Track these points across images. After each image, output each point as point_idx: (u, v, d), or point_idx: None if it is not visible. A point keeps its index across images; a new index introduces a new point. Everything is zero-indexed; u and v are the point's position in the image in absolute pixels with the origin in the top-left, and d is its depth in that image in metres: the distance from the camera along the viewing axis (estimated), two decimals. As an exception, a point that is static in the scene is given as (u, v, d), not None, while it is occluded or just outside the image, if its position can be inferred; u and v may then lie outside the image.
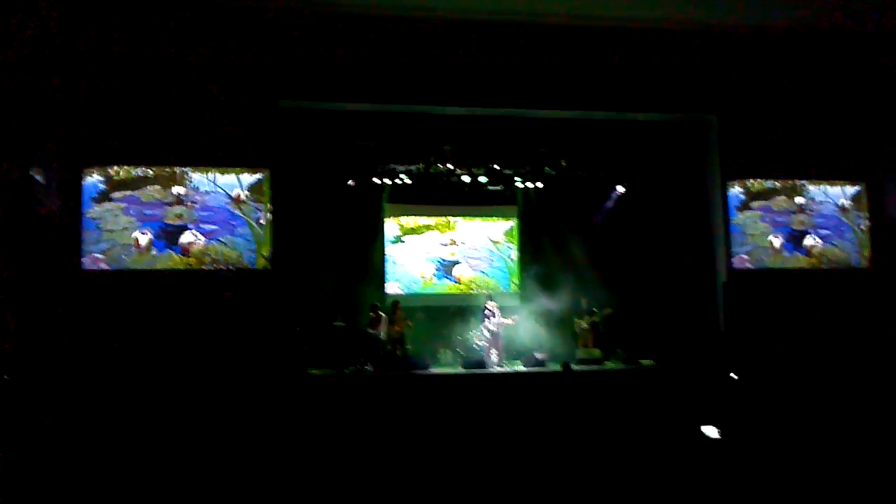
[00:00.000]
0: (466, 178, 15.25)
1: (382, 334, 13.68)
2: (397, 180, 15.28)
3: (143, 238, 12.20)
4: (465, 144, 14.99)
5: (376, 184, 15.31)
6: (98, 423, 9.68)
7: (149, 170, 12.38)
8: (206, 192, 12.55)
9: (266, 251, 12.56)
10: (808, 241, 14.33)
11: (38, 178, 10.83)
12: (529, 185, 16.00)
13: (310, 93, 13.10)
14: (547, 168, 15.50)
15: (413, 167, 15.13)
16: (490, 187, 15.75)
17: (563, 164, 15.43)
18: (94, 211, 12.12)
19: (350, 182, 15.05)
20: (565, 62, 13.64)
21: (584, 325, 14.54)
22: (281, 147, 13.07)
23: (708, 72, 14.14)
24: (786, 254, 14.22)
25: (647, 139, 15.10)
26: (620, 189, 15.90)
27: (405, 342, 13.91)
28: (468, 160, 15.17)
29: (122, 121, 12.26)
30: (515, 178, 15.78)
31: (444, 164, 15.08)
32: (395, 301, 14.38)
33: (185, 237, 12.38)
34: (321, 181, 14.74)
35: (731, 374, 12.08)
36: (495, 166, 15.32)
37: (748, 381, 11.81)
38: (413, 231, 16.07)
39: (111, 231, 12.12)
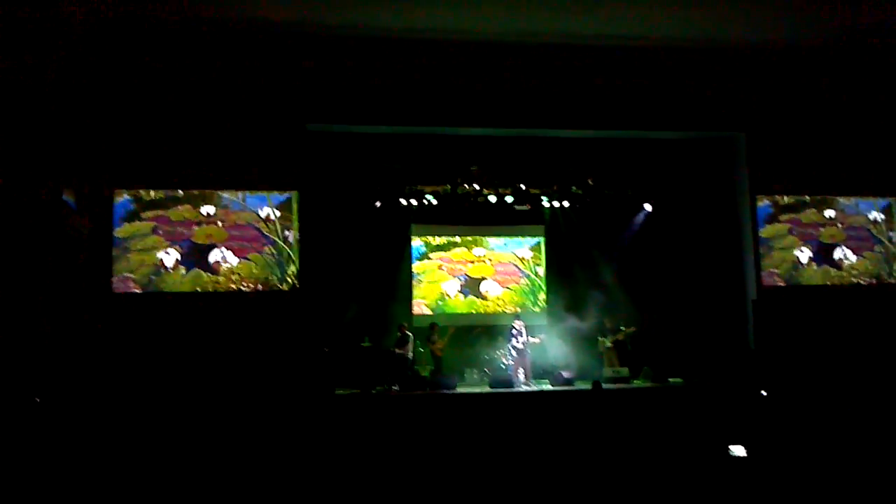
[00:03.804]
0: (493, 199, 15.22)
1: (411, 354, 13.75)
2: (424, 201, 15.34)
3: (169, 258, 12.38)
4: (491, 165, 15.04)
5: (403, 205, 15.38)
6: (128, 441, 9.77)
7: (179, 190, 12.60)
8: (236, 211, 12.73)
9: (294, 270, 12.68)
10: (838, 254, 14.19)
11: (69, 199, 11.03)
12: (556, 204, 15.95)
13: (337, 116, 13.32)
14: (574, 187, 15.43)
15: (440, 188, 15.15)
16: (517, 207, 15.68)
17: (590, 182, 15.37)
18: (123, 230, 12.35)
19: (377, 203, 15.13)
20: (592, 82, 13.74)
21: (608, 343, 14.43)
22: (308, 169, 13.25)
23: (735, 89, 14.14)
24: (815, 267, 14.09)
25: (674, 157, 15.08)
26: (648, 207, 15.83)
27: (436, 362, 14.00)
28: (495, 180, 15.19)
29: (154, 142, 12.57)
30: (542, 198, 15.71)
31: (470, 185, 15.09)
32: (434, 323, 14.46)
33: (214, 255, 12.55)
34: (348, 202, 14.84)
35: (762, 392, 11.94)
36: (522, 186, 15.29)
37: (779, 399, 11.66)
38: (439, 248, 16.11)
39: (140, 251, 12.32)
